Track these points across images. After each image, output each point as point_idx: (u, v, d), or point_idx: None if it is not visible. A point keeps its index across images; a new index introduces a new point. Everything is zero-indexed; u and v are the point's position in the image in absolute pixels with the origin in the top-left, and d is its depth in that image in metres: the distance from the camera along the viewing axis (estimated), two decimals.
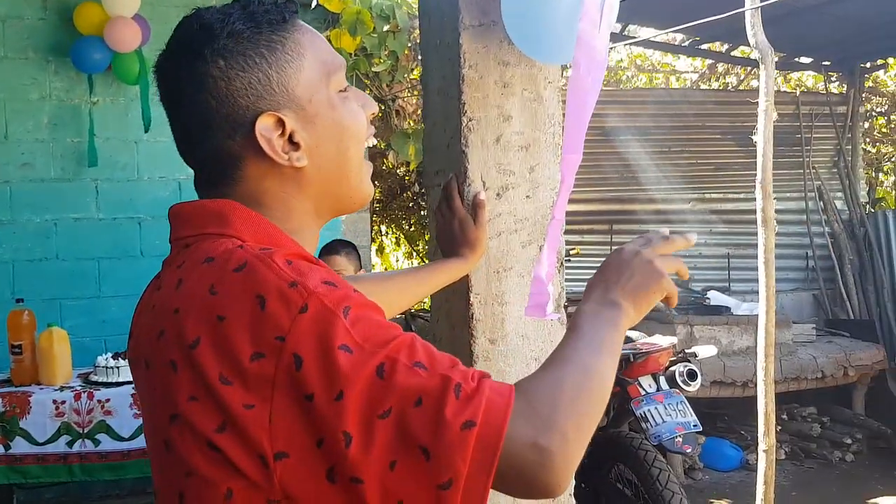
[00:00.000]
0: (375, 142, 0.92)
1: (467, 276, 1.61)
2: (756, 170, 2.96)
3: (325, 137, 0.87)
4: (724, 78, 8.23)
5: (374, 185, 5.31)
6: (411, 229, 7.80)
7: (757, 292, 5.89)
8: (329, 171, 0.88)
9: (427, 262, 1.72)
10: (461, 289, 1.65)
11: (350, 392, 0.69)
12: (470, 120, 1.62)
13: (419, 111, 5.65)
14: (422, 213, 7.54)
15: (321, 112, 0.87)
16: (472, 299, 1.62)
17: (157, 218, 4.69)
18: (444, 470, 0.69)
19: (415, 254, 7.95)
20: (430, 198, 1.84)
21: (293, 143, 0.85)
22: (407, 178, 7.08)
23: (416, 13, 5.12)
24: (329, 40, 4.41)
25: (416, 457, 0.69)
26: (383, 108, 4.99)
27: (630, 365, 3.10)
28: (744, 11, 3.00)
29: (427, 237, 7.82)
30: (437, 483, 0.69)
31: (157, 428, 0.77)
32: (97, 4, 4.21)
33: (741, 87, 8.03)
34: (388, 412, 0.70)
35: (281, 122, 0.84)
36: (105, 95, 4.58)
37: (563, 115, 1.64)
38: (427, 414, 0.70)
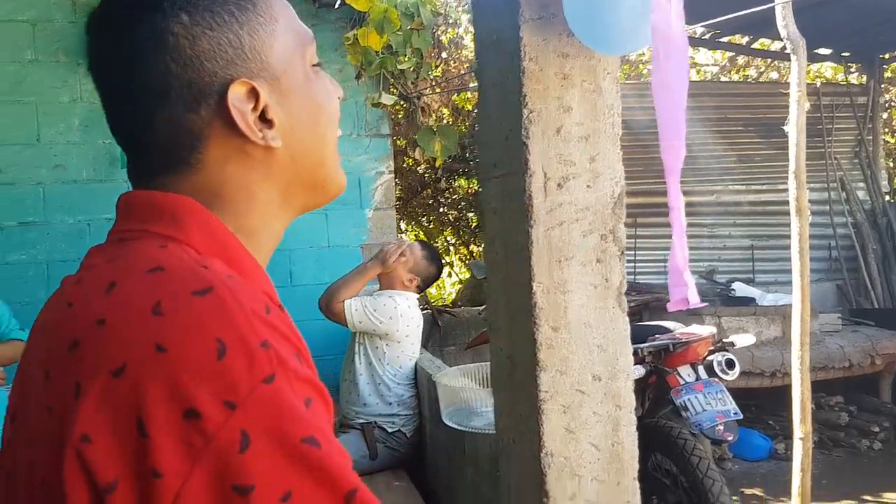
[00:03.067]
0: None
1: (530, 265, 1.65)
2: (785, 160, 2.98)
3: (300, 116, 0.73)
4: (745, 70, 8.23)
5: (395, 183, 5.42)
6: (430, 226, 7.83)
7: (781, 283, 5.91)
8: (303, 156, 0.74)
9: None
10: (522, 279, 1.69)
11: (303, 497, 0.55)
12: (531, 112, 1.65)
13: (443, 108, 5.69)
14: (440, 210, 7.57)
15: (296, 87, 0.73)
16: (534, 288, 1.65)
17: None
18: None
19: None
20: (486, 191, 1.87)
21: (266, 121, 0.71)
22: (427, 175, 7.12)
23: (439, 11, 5.15)
24: (356, 39, 4.45)
25: None
26: (408, 105, 5.02)
27: (669, 355, 3.12)
28: (774, 5, 3.01)
29: (447, 233, 7.87)
30: None
31: (36, 457, 0.59)
32: None
33: (760, 80, 8.03)
34: None
35: (255, 93, 0.69)
36: None
37: (621, 105, 1.69)
38: None
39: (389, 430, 3.49)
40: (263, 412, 0.55)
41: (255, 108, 0.69)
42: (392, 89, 4.76)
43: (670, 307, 1.64)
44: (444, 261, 3.92)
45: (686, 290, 1.59)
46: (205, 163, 0.69)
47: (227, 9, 0.69)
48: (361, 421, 3.50)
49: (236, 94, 0.68)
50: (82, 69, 4.56)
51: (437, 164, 5.24)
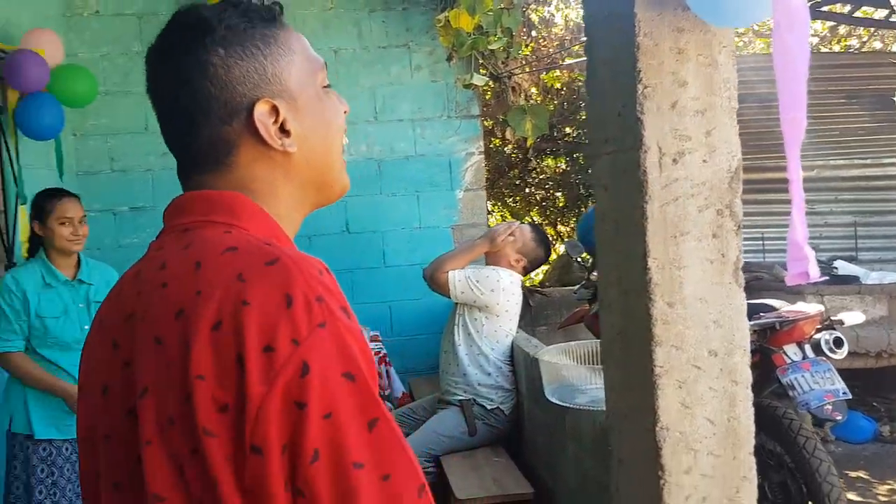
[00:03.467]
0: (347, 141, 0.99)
1: (644, 240, 1.65)
2: (891, 133, 2.86)
3: (312, 128, 0.91)
4: (846, 40, 7.90)
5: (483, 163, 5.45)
6: (517, 206, 7.84)
7: (886, 261, 5.68)
8: (315, 160, 0.92)
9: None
10: (635, 254, 1.70)
11: (339, 417, 0.73)
12: (645, 87, 1.65)
13: (533, 87, 5.67)
14: (527, 189, 7.57)
15: (309, 104, 0.91)
16: (649, 264, 1.66)
17: None
18: None
19: None
20: (596, 167, 1.88)
21: (284, 131, 0.89)
22: (514, 155, 7.12)
23: None
24: (447, 21, 4.49)
25: None
26: (498, 84, 5.03)
27: (775, 333, 3.06)
28: None
29: (533, 213, 7.86)
30: None
31: (163, 401, 0.77)
32: None
33: (863, 50, 7.70)
34: (361, 465, 0.73)
35: (275, 110, 0.88)
36: None
37: (738, 79, 1.67)
38: (391, 493, 0.74)
39: (488, 407, 3.55)
40: (318, 349, 0.74)
41: (275, 122, 0.88)
42: (482, 70, 4.78)
43: (789, 281, 1.62)
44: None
45: (807, 264, 1.57)
46: (238, 164, 0.88)
47: (255, 43, 0.88)
48: (461, 397, 3.56)
49: (261, 111, 0.87)
50: None
51: (528, 144, 5.23)
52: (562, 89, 6.36)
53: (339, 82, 4.91)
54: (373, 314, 4.91)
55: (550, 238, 7.83)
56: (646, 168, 1.65)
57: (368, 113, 4.96)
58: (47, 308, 2.92)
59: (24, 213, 3.64)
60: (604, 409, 2.18)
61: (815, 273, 1.58)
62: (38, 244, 3.01)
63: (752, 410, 1.75)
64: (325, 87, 0.95)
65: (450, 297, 3.58)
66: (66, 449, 2.98)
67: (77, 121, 4.60)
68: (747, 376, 1.74)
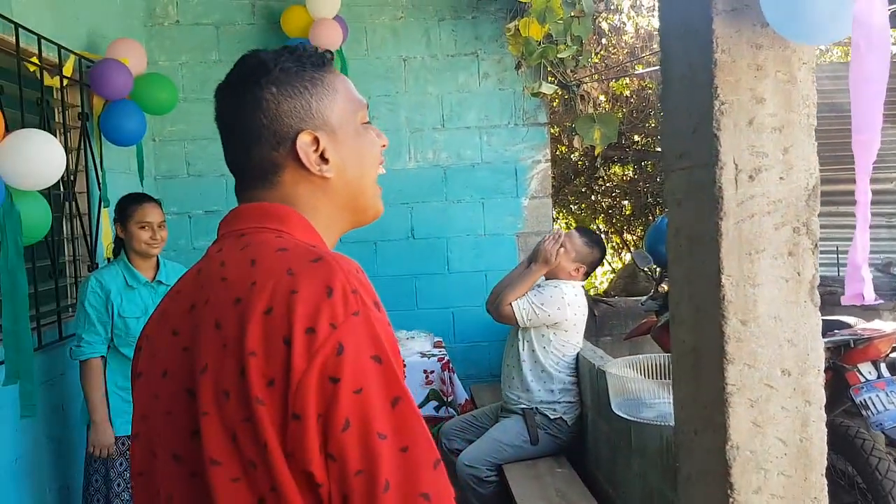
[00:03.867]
0: (384, 171, 1.14)
1: (718, 257, 1.64)
2: None
3: (349, 158, 1.05)
4: None
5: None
6: (582, 214, 7.80)
7: None
8: (350, 186, 1.06)
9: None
10: (709, 271, 1.69)
11: (367, 393, 0.85)
12: (722, 104, 1.64)
13: (601, 95, 5.64)
14: (593, 197, 7.52)
15: (348, 138, 1.06)
16: (723, 281, 1.65)
17: None
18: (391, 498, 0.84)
19: None
20: (670, 182, 1.87)
21: (324, 159, 1.03)
22: (580, 163, 7.08)
23: None
24: (517, 29, 4.50)
25: (374, 486, 0.84)
26: (567, 93, 5.02)
27: (850, 351, 2.99)
28: None
29: (599, 221, 7.80)
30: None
31: (220, 376, 0.89)
32: (302, 7, 4.51)
33: None
34: (384, 436, 0.85)
35: (316, 140, 1.02)
36: None
37: (816, 95, 1.65)
38: (408, 463, 0.85)
39: (551, 417, 3.54)
40: (352, 333, 0.86)
41: (315, 150, 1.03)
42: (550, 78, 4.78)
43: (844, 301, 1.60)
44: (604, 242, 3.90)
45: (862, 286, 1.54)
46: (283, 183, 1.03)
47: (304, 84, 1.04)
48: (523, 406, 3.56)
49: (303, 141, 1.02)
50: None
51: (596, 153, 5.21)
52: (631, 97, 6.31)
53: (407, 90, 4.98)
54: (436, 320, 4.95)
55: (616, 245, 7.77)
56: (721, 184, 1.64)
57: (436, 120, 5.01)
58: (129, 309, 3.04)
59: (106, 217, 3.80)
60: (671, 424, 2.17)
61: (869, 296, 1.56)
62: (122, 246, 3.14)
63: (824, 431, 1.72)
64: (364, 123, 1.10)
65: (518, 326, 3.56)
66: (125, 444, 3.09)
67: (157, 126, 4.77)
68: (820, 396, 1.71)
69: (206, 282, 0.97)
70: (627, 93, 6.25)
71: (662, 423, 2.42)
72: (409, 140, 5.01)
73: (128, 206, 3.09)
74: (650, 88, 6.07)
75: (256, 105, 1.02)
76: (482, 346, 5.00)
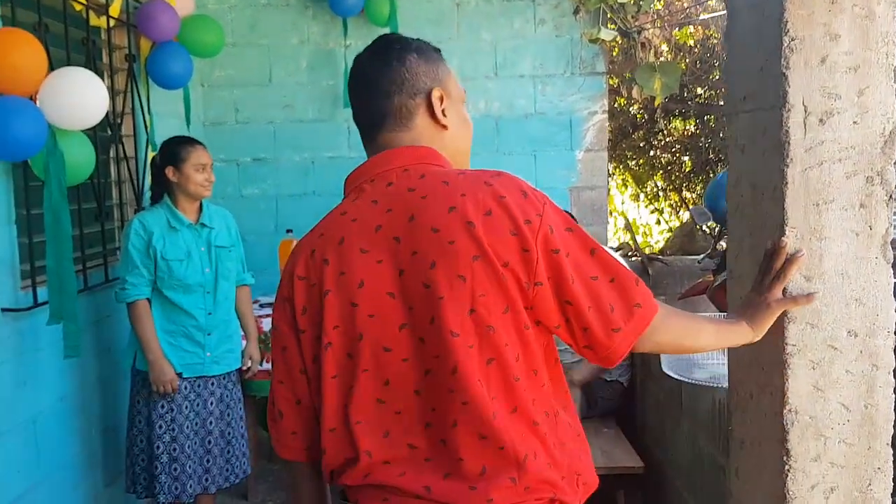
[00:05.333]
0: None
1: (783, 207, 1.51)
2: None
3: (457, 120, 1.38)
4: None
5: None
6: (639, 170, 7.56)
7: None
8: (456, 142, 1.38)
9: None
10: (772, 222, 1.56)
11: (575, 253, 1.25)
12: (792, 40, 1.49)
13: (663, 43, 5.39)
14: (651, 153, 7.28)
15: (457, 106, 1.39)
16: (787, 233, 1.52)
17: None
18: (615, 321, 1.25)
19: (642, 196, 7.72)
20: (733, 126, 1.73)
21: (443, 114, 1.34)
22: (640, 116, 6.84)
23: None
24: None
25: (604, 312, 1.25)
26: (626, 41, 4.81)
27: None
28: None
29: (657, 178, 7.57)
30: (611, 327, 1.25)
31: (452, 268, 1.20)
32: None
33: None
34: (595, 277, 1.25)
35: (441, 98, 1.35)
36: (357, 38, 4.77)
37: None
38: (618, 287, 1.26)
39: (607, 380, 3.44)
40: (551, 216, 1.25)
41: (441, 104, 1.35)
42: (610, 25, 4.58)
43: None
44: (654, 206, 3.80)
45: None
46: (415, 127, 1.34)
47: (434, 56, 1.38)
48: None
49: (436, 95, 1.35)
50: (310, 12, 4.76)
51: (655, 104, 4.99)
52: (695, 47, 6.02)
53: (460, 36, 4.83)
54: None
55: (674, 203, 7.54)
56: (788, 128, 1.50)
57: (488, 68, 4.85)
58: (171, 251, 3.02)
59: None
60: (724, 386, 2.05)
61: None
62: (162, 190, 3.12)
63: (892, 398, 1.59)
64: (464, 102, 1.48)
65: None
66: (186, 387, 3.10)
67: (205, 71, 4.72)
68: (889, 360, 1.58)
69: (398, 204, 1.25)
70: (691, 42, 5.98)
71: (715, 386, 2.31)
72: None
73: (181, 149, 3.06)
74: (715, 38, 5.79)
75: (401, 62, 1.32)
76: None
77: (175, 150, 3.07)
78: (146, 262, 3.00)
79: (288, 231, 3.95)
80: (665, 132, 6.94)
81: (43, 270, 2.79)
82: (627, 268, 1.25)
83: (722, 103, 6.46)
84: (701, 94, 6.57)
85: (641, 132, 6.97)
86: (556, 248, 1.21)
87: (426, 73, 1.33)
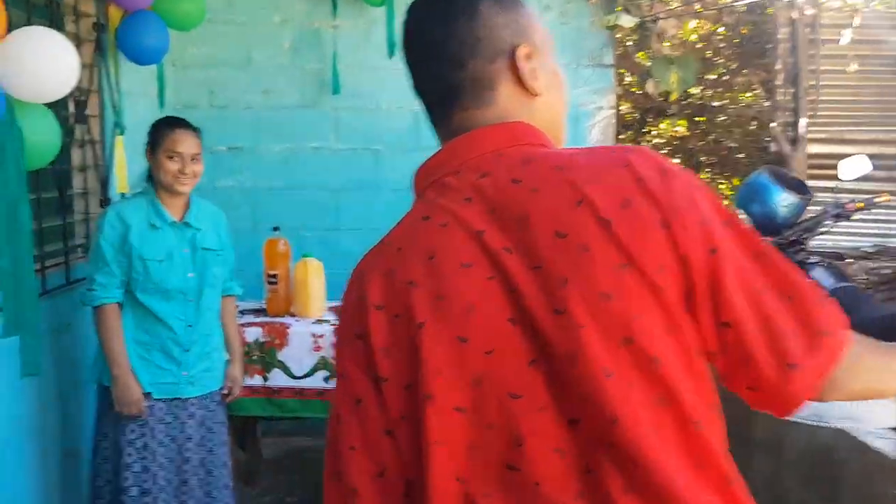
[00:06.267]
0: None
1: None
2: None
3: (550, 84, 1.03)
4: None
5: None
6: None
7: None
8: (551, 111, 1.03)
9: None
10: None
11: (732, 258, 0.90)
12: None
13: (681, 33, 5.10)
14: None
15: (549, 64, 1.03)
16: None
17: (394, 149, 4.48)
18: (792, 354, 0.88)
19: None
20: None
21: (534, 78, 1.00)
22: (628, 116, 6.56)
23: None
24: None
25: (775, 340, 0.89)
26: (642, 30, 4.49)
27: None
28: None
29: None
30: (785, 362, 0.88)
31: (590, 284, 0.87)
32: None
33: None
34: (764, 292, 0.90)
35: (530, 56, 1.00)
36: (347, 18, 4.37)
37: None
38: (794, 307, 0.90)
39: None
40: (703, 204, 0.92)
41: (530, 65, 1.00)
42: (619, 9, 4.26)
43: None
44: None
45: None
46: (497, 100, 1.00)
47: (515, 3, 1.02)
48: None
49: (522, 53, 1.00)
50: None
51: (671, 98, 4.68)
52: (698, 43, 5.76)
53: None
54: None
55: None
56: None
57: None
58: (150, 250, 2.58)
59: (120, 145, 3.31)
60: (833, 426, 1.71)
61: None
62: (150, 177, 2.69)
63: None
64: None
65: None
66: (161, 408, 2.67)
67: (177, 50, 4.23)
68: None
69: (501, 201, 0.93)
70: (694, 37, 5.70)
71: (818, 424, 1.97)
72: None
73: (158, 131, 2.62)
74: (722, 35, 5.52)
75: (472, 16, 0.99)
76: None
77: (152, 130, 2.65)
78: (119, 260, 2.55)
79: (274, 229, 3.51)
80: (657, 134, 6.68)
81: None
82: (806, 280, 0.90)
83: (716, 104, 6.22)
84: (694, 94, 6.32)
85: (630, 133, 6.70)
86: (713, 246, 0.88)
87: (506, 25, 0.99)
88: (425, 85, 1.03)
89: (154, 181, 2.65)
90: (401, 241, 0.97)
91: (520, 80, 0.99)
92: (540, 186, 0.91)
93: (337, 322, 1.02)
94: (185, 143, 2.63)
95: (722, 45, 5.42)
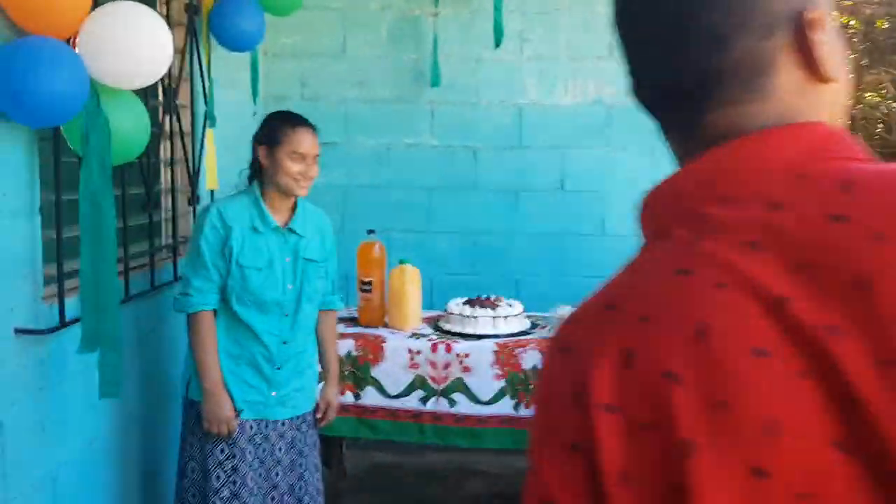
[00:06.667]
0: None
1: None
2: None
3: (836, 62, 0.69)
4: None
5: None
6: None
7: None
8: (838, 104, 0.71)
9: None
10: None
11: None
12: None
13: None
14: None
15: (833, 32, 0.70)
16: None
17: (494, 148, 4.16)
18: None
19: None
20: None
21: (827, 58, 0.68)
22: None
23: None
24: None
25: None
26: None
27: None
28: None
29: None
30: None
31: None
32: None
33: None
34: None
35: (821, 23, 0.67)
36: (449, 6, 4.06)
37: None
38: None
39: None
40: None
41: (820, 39, 0.68)
42: None
43: None
44: None
45: None
46: (774, 93, 0.68)
47: None
48: None
49: (812, 21, 0.68)
50: None
51: None
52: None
53: (570, 7, 4.11)
54: (584, 289, 4.11)
55: None
56: None
57: (601, 47, 4.11)
58: (250, 257, 2.32)
59: (211, 138, 3.07)
60: None
61: None
62: (256, 174, 2.43)
63: None
64: None
65: None
66: (250, 428, 2.41)
67: (268, 38, 4.00)
68: None
69: (815, 249, 0.58)
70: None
71: None
72: (568, 69, 4.14)
73: (280, 127, 2.36)
74: (854, 29, 5.01)
75: None
76: None
77: (273, 126, 2.38)
78: (219, 264, 2.30)
79: (370, 232, 3.24)
80: None
81: (74, 275, 2.09)
82: None
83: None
84: None
85: None
86: None
87: None
88: (660, 72, 0.71)
89: (261, 180, 2.39)
90: (644, 305, 0.64)
91: (807, 61, 0.68)
92: (886, 230, 0.58)
93: (535, 413, 0.69)
94: (309, 144, 2.38)
95: (854, 39, 4.90)
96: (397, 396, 3.01)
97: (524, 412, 2.97)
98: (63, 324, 2.05)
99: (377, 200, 4.16)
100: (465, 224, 4.16)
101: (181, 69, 2.96)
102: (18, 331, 1.92)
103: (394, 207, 4.17)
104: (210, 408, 2.32)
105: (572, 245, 4.20)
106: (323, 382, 2.62)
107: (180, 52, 2.96)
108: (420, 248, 4.14)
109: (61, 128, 2.00)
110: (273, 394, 2.43)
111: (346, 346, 3.02)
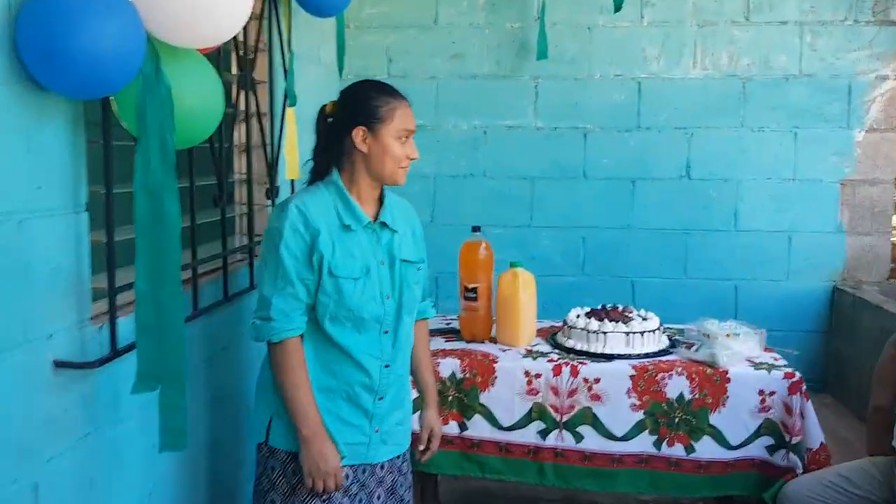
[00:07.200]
0: None
1: None
2: None
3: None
4: None
5: None
6: None
7: None
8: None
9: None
10: None
11: None
12: None
13: None
14: None
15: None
16: None
17: (608, 129, 3.64)
18: None
19: None
20: None
21: None
22: None
23: None
24: None
25: None
26: None
27: None
28: None
29: None
30: None
31: None
32: None
33: None
34: None
35: None
36: None
37: None
38: None
39: None
40: None
41: None
42: None
43: None
44: None
45: None
46: None
47: None
48: None
49: None
50: None
51: None
52: None
53: None
54: (713, 295, 3.62)
55: None
56: None
57: (736, 10, 3.59)
58: (344, 263, 1.82)
59: (292, 118, 2.61)
60: None
61: None
62: (331, 162, 1.92)
63: None
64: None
65: None
66: (346, 477, 1.92)
67: (352, 8, 3.56)
68: None
69: None
70: None
71: None
72: (696, 37, 3.63)
73: (383, 101, 1.85)
74: None
75: None
76: (779, 337, 3.57)
77: (372, 102, 1.86)
78: (306, 278, 1.80)
79: (474, 229, 2.75)
80: None
81: (128, 288, 1.64)
82: None
83: None
84: None
85: None
86: None
87: None
88: None
89: (350, 167, 1.89)
90: None
91: None
92: None
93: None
94: (413, 120, 1.87)
95: None
96: (511, 428, 2.51)
97: (667, 451, 2.44)
98: (114, 353, 1.60)
99: (472, 191, 3.73)
100: (572, 218, 3.71)
101: (258, 38, 2.50)
102: (59, 364, 1.48)
103: (490, 199, 3.74)
104: (312, 459, 1.83)
105: (698, 243, 3.71)
106: (421, 409, 2.14)
107: (257, 19, 2.50)
108: (520, 247, 3.67)
109: (111, 100, 1.55)
110: (376, 430, 1.95)
111: (450, 366, 2.53)
